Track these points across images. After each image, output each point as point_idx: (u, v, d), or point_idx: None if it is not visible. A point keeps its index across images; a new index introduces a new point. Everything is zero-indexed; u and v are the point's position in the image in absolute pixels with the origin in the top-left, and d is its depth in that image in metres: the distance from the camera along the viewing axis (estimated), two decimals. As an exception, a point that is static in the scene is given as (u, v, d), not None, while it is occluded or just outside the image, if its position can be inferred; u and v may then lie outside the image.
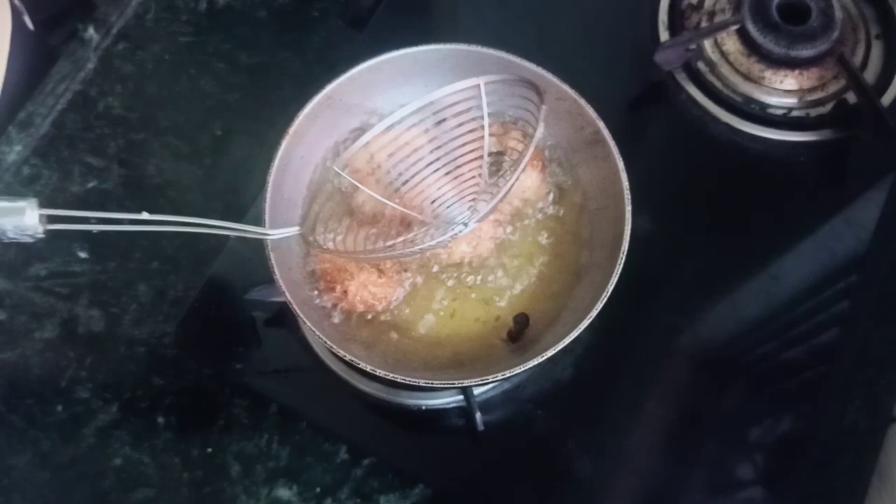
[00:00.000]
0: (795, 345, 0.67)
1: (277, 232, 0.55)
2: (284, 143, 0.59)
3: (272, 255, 0.56)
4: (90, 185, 0.73)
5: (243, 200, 0.71)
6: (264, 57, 0.79)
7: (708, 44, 0.78)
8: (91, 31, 0.79)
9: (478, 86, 0.54)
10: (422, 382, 0.54)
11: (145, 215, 0.48)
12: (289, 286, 0.56)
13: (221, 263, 0.69)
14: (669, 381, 0.67)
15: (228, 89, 0.77)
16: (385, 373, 0.54)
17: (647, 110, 0.79)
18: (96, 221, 0.47)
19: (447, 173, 0.57)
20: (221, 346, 0.68)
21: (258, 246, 0.56)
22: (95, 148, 0.74)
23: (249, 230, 0.54)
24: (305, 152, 0.63)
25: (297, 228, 0.56)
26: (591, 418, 0.66)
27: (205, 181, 0.74)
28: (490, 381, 0.56)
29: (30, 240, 0.45)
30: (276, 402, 0.66)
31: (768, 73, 0.76)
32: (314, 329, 0.55)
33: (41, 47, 0.84)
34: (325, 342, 0.55)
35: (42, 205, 0.44)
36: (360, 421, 0.67)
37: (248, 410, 0.65)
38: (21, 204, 0.44)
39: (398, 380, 0.55)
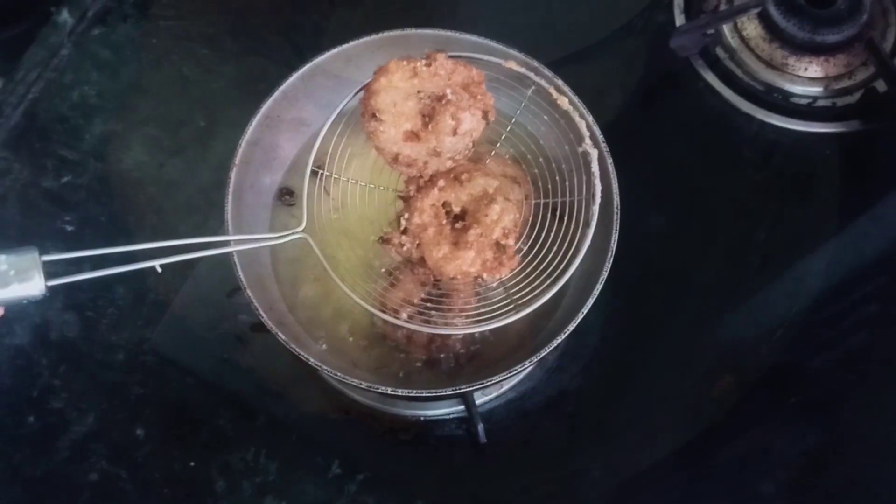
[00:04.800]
0: (821, 351, 0.67)
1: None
2: (233, 175, 0.60)
3: (239, 267, 0.56)
4: (64, 179, 0.73)
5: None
6: (251, 42, 0.79)
7: (727, 28, 0.78)
8: (65, 14, 0.79)
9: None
10: (423, 393, 0.55)
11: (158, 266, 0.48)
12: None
13: (204, 264, 0.69)
14: (685, 389, 0.67)
15: (213, 77, 0.77)
16: (372, 385, 0.55)
17: (662, 100, 0.79)
18: (90, 268, 0.46)
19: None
20: (205, 353, 0.68)
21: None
22: (70, 140, 0.74)
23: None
24: (255, 181, 0.64)
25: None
26: (602, 430, 0.66)
27: (188, 176, 0.74)
28: (492, 381, 0.56)
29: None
30: (263, 412, 0.66)
31: (791, 60, 0.76)
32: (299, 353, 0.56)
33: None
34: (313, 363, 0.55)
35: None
36: (353, 432, 0.67)
37: (233, 422, 0.66)
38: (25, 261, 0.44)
39: (388, 392, 0.55)
